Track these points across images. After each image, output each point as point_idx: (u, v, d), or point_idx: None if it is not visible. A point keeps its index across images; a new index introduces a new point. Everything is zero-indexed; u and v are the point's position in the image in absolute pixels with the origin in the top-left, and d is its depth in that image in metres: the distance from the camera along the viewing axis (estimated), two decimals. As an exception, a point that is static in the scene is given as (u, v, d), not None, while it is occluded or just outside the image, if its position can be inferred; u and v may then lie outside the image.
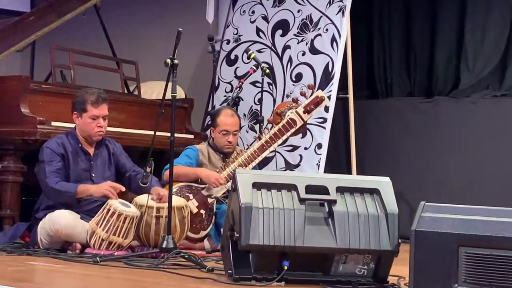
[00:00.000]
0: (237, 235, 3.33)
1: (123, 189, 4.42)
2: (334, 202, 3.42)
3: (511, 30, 6.16)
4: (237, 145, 5.23)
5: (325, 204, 3.42)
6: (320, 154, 5.87)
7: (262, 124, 5.67)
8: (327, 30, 6.09)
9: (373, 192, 3.49)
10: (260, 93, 5.79)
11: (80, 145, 4.54)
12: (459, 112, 6.19)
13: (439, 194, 5.92)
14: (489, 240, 2.95)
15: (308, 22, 6.21)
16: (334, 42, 6.03)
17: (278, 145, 5.04)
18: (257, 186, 3.41)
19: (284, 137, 4.88)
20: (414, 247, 3.10)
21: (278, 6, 6.42)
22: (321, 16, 6.15)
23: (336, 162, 6.37)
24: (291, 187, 3.43)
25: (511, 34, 6.16)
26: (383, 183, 3.53)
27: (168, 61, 4.16)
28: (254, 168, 4.87)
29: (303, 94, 4.91)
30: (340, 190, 3.47)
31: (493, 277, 2.92)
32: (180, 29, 4.18)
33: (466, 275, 2.98)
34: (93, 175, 4.54)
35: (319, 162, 5.86)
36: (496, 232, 2.95)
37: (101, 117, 4.49)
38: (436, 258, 3.04)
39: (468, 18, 6.30)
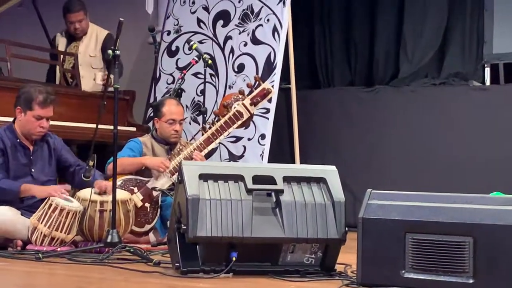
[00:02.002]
0: (184, 227, 3.31)
1: (69, 188, 4.35)
2: (281, 192, 3.42)
3: (448, 21, 6.26)
4: (180, 137, 5.19)
5: (272, 194, 3.43)
6: (264, 145, 5.88)
7: (205, 116, 5.62)
8: (268, 20, 6.09)
9: (320, 181, 3.50)
10: (202, 84, 5.75)
11: (18, 140, 4.44)
12: (399, 100, 6.27)
13: (382, 182, 5.97)
14: (435, 225, 2.99)
15: (249, 13, 6.20)
16: (276, 32, 6.03)
17: (224, 137, 5.02)
18: (204, 177, 3.39)
19: (231, 130, 4.85)
20: (362, 234, 3.12)
21: (219, -4, 6.39)
22: (262, 6, 6.14)
23: (280, 152, 6.38)
24: (238, 178, 3.42)
25: (448, 25, 6.26)
26: (330, 172, 3.54)
27: (110, 52, 4.09)
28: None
29: (249, 86, 4.89)
30: (287, 179, 3.47)
31: (438, 262, 2.96)
32: (122, 19, 4.12)
33: (413, 261, 3.01)
34: (33, 170, 4.45)
35: (263, 152, 5.87)
36: (441, 218, 2.99)
37: (45, 118, 4.40)
38: (383, 245, 3.07)
39: (407, 9, 6.40)
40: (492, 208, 2.92)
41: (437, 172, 5.94)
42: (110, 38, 5.90)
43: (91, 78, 5.82)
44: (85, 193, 4.29)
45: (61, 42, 6.09)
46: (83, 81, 5.84)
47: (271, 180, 3.44)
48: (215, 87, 6.21)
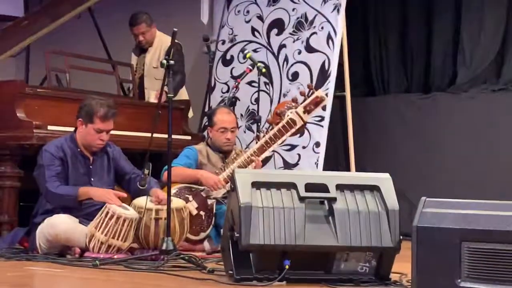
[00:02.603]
0: (237, 235, 3.32)
1: (125, 195, 4.41)
2: (334, 199, 3.42)
3: (506, 25, 6.17)
4: (235, 145, 5.22)
5: (325, 202, 3.42)
6: (319, 153, 5.88)
7: (259, 124, 5.66)
8: (322, 28, 6.10)
9: (373, 188, 3.49)
10: (256, 93, 5.79)
11: (79, 149, 4.52)
12: (457, 107, 6.20)
13: (440, 190, 5.92)
14: (491, 234, 2.94)
15: (303, 21, 6.21)
16: (330, 40, 6.03)
17: (278, 146, 5.03)
18: (256, 185, 3.41)
19: (284, 138, 4.87)
20: (416, 243, 3.09)
21: (273, 5, 6.42)
22: (316, 14, 6.15)
23: (335, 160, 6.37)
24: (291, 186, 3.42)
25: (507, 29, 6.18)
26: (383, 180, 3.53)
27: (164, 61, 4.15)
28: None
29: (303, 94, 4.90)
30: (340, 187, 3.47)
31: (496, 272, 2.91)
32: (175, 30, 4.17)
33: (469, 271, 2.97)
34: (92, 179, 4.52)
35: (318, 160, 5.86)
36: (498, 226, 2.94)
37: (105, 131, 4.48)
38: (438, 254, 3.03)
39: (464, 13, 6.33)
40: (551, 216, 2.87)
41: (497, 180, 5.84)
42: (177, 48, 5.99)
43: (154, 89, 5.91)
44: (141, 201, 4.36)
45: (133, 56, 6.29)
46: (148, 92, 5.96)
47: (324, 188, 3.44)
48: (269, 95, 6.24)
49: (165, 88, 4.35)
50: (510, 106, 6.01)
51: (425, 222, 3.10)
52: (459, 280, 2.97)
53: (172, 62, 4.14)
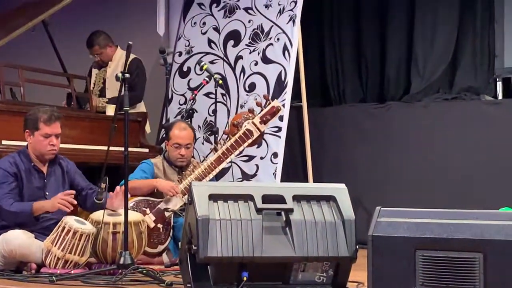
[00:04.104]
0: (195, 248, 3.33)
1: (75, 202, 4.37)
2: (291, 211, 3.44)
3: (457, 37, 6.25)
4: (193, 157, 5.22)
5: (282, 213, 3.44)
6: (276, 163, 5.89)
7: (217, 136, 5.67)
8: (278, 39, 6.12)
9: (330, 199, 3.52)
10: (214, 104, 5.78)
11: (32, 164, 4.49)
12: (412, 116, 6.25)
13: (396, 198, 5.96)
14: (445, 242, 2.99)
15: (259, 32, 6.24)
16: (286, 51, 6.06)
17: (235, 157, 5.04)
18: (214, 197, 3.42)
19: (241, 148, 4.88)
20: (372, 252, 3.13)
21: (229, 17, 6.43)
22: (272, 26, 6.18)
23: (293, 170, 6.39)
24: (248, 198, 3.44)
25: (458, 41, 6.25)
26: (339, 190, 3.56)
27: (119, 75, 4.14)
28: (211, 180, 4.87)
29: (259, 104, 4.92)
30: (297, 198, 3.49)
31: (449, 279, 2.96)
32: (130, 43, 4.16)
33: (423, 278, 3.01)
34: (47, 193, 4.48)
35: (276, 171, 5.88)
36: (451, 234, 3.00)
37: (53, 135, 4.45)
38: (393, 262, 3.07)
39: (417, 24, 6.39)
40: (502, 224, 2.92)
41: (450, 187, 5.90)
42: (137, 64, 6.06)
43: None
44: (98, 215, 4.32)
45: (94, 70, 6.32)
46: (105, 105, 5.94)
47: (280, 199, 3.46)
48: (226, 106, 6.25)
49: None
50: (462, 114, 6.08)
51: (380, 231, 3.14)
52: (414, 288, 3.03)
53: (127, 75, 4.13)
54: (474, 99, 6.11)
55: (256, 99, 5.93)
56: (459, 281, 2.93)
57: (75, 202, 4.39)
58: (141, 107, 6.24)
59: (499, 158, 5.82)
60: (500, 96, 6.10)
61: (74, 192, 4.36)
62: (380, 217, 3.18)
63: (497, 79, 6.11)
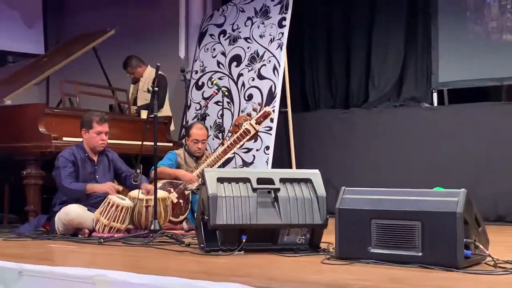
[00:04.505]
0: (207, 217, 3.34)
1: (120, 188, 4.40)
2: (278, 190, 3.45)
3: (404, 58, 6.22)
4: (206, 150, 5.22)
5: (272, 191, 3.45)
6: (268, 154, 5.89)
7: (223, 133, 5.68)
8: (270, 61, 6.12)
9: (307, 181, 3.53)
10: (221, 110, 5.78)
11: (86, 154, 4.50)
12: (369, 119, 6.22)
13: (358, 180, 5.97)
14: (393, 213, 3.01)
15: (255, 56, 6.24)
16: (275, 70, 6.07)
17: (237, 149, 5.05)
18: (221, 180, 3.43)
19: (242, 143, 4.88)
20: (338, 221, 3.15)
21: (233, 45, 6.43)
22: (265, 51, 6.18)
23: (281, 160, 6.38)
24: (246, 180, 3.45)
25: (404, 61, 6.23)
26: (314, 174, 3.57)
27: (150, 88, 4.15)
28: (219, 166, 4.87)
29: (255, 109, 4.93)
30: (283, 180, 3.50)
31: (396, 241, 2.98)
32: (158, 64, 4.17)
33: (376, 240, 3.04)
34: (97, 176, 4.50)
35: (268, 160, 5.89)
36: (397, 207, 3.02)
37: (103, 133, 4.46)
38: (354, 229, 3.09)
39: (373, 49, 6.37)
40: (435, 199, 2.94)
41: (398, 172, 5.88)
42: (159, 78, 6.00)
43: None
44: (135, 193, 4.34)
45: (131, 85, 6.32)
46: (140, 111, 5.94)
47: (270, 181, 3.47)
48: (231, 111, 6.25)
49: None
50: (407, 117, 6.05)
51: (344, 205, 3.17)
52: (369, 248, 3.04)
53: (156, 88, 4.14)
54: (416, 106, 6.09)
55: (253, 106, 5.94)
56: (403, 242, 2.96)
57: (120, 189, 4.41)
58: (167, 111, 6.23)
59: (435, 150, 5.81)
60: (435, 104, 6.09)
61: (120, 187, 4.37)
62: (344, 195, 3.21)
63: (433, 91, 6.10)
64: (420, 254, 2.88)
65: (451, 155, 5.68)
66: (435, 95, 6.08)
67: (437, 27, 6.00)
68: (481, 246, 2.86)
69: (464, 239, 2.81)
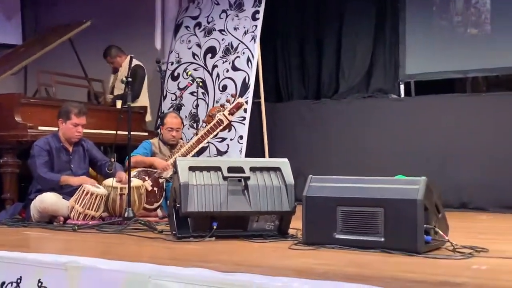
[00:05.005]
0: (178, 205, 3.33)
1: (95, 182, 4.36)
2: (248, 178, 3.45)
3: (373, 51, 6.25)
4: (181, 139, 5.20)
5: (242, 180, 3.45)
6: (242, 143, 5.89)
7: (198, 123, 5.66)
8: (243, 53, 6.10)
9: (276, 169, 3.53)
10: (196, 100, 5.77)
11: (61, 144, 4.45)
12: (339, 109, 6.24)
13: (327, 168, 5.99)
14: (357, 200, 3.04)
15: (230, 48, 6.21)
16: (249, 62, 6.05)
17: (211, 138, 5.03)
18: (192, 169, 3.42)
19: (215, 133, 4.86)
20: (305, 208, 3.17)
21: (208, 36, 6.39)
22: (239, 43, 6.15)
23: (254, 148, 6.37)
24: (217, 169, 3.45)
25: (373, 54, 6.26)
26: (283, 163, 3.58)
27: (124, 79, 4.11)
28: (193, 155, 4.85)
29: (228, 101, 4.91)
30: (253, 169, 3.50)
31: (360, 226, 3.01)
32: (132, 55, 4.12)
33: (342, 226, 3.07)
34: (72, 166, 4.46)
35: (241, 149, 5.88)
36: (362, 194, 3.04)
37: (80, 125, 4.41)
38: (320, 215, 3.11)
39: (344, 44, 6.37)
40: (397, 187, 2.97)
41: (364, 160, 5.91)
42: (136, 68, 5.97)
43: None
44: (109, 181, 4.30)
45: (111, 75, 6.23)
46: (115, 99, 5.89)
47: (241, 169, 3.47)
48: (206, 102, 6.22)
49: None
50: (375, 107, 6.09)
51: (311, 193, 3.18)
52: (335, 233, 3.06)
53: (130, 79, 4.10)
54: (383, 97, 6.13)
55: (227, 97, 5.92)
56: (367, 228, 2.99)
57: (95, 182, 4.37)
58: (144, 102, 6.17)
59: (402, 140, 5.86)
60: (402, 95, 6.13)
61: (96, 182, 4.33)
62: (311, 182, 3.23)
63: (400, 83, 6.14)
64: (382, 239, 2.92)
65: (417, 145, 5.74)
66: (402, 87, 6.12)
67: (404, 21, 6.04)
68: (440, 232, 2.91)
69: (424, 225, 2.85)
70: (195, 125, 5.88)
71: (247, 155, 5.89)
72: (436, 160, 5.60)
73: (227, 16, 6.30)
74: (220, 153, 6.01)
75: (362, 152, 5.99)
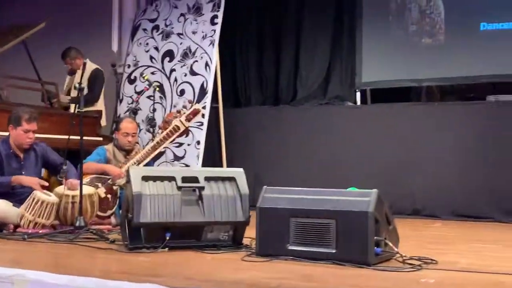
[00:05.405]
0: (131, 216, 3.28)
1: (46, 184, 4.26)
2: (203, 188, 3.44)
3: (330, 59, 6.33)
4: (138, 143, 5.13)
5: (196, 189, 3.43)
6: (199, 149, 5.87)
7: (155, 128, 5.60)
8: (202, 57, 6.08)
9: (231, 179, 3.52)
10: (153, 105, 5.71)
11: (11, 150, 4.33)
12: (297, 116, 6.28)
13: (284, 174, 6.05)
14: (310, 212, 3.06)
15: (188, 52, 6.17)
16: (207, 66, 6.03)
17: (168, 144, 4.98)
18: (146, 178, 3.38)
19: (171, 139, 4.82)
20: (259, 219, 3.18)
21: (166, 40, 6.34)
22: (197, 47, 6.12)
23: (212, 154, 6.36)
24: (171, 179, 3.42)
25: (330, 61, 6.33)
26: (238, 173, 3.57)
27: (77, 85, 4.03)
28: (149, 161, 4.79)
29: (185, 106, 4.88)
30: (207, 179, 3.49)
31: (312, 238, 3.03)
32: (85, 61, 4.05)
33: (295, 237, 3.08)
34: (23, 173, 4.34)
35: (199, 154, 5.86)
36: (314, 206, 3.06)
37: (31, 131, 4.30)
38: (274, 226, 3.12)
39: (302, 51, 6.43)
40: (349, 199, 3.00)
41: (322, 167, 5.97)
42: (96, 72, 5.87)
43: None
44: (61, 189, 4.21)
45: (68, 76, 6.08)
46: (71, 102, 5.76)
47: (195, 179, 3.45)
48: (163, 106, 6.17)
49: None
50: (332, 114, 6.15)
51: (265, 204, 3.19)
52: (288, 245, 3.07)
53: (83, 85, 4.02)
54: (340, 104, 6.20)
55: (184, 101, 5.89)
56: (320, 240, 3.00)
57: (47, 184, 4.28)
58: (99, 106, 6.07)
59: (357, 147, 5.92)
60: (358, 103, 6.21)
61: (47, 184, 4.23)
62: (265, 193, 3.23)
63: (356, 91, 6.22)
64: (334, 251, 2.94)
65: (372, 152, 5.82)
66: (358, 95, 6.20)
67: (361, 30, 6.12)
68: (390, 244, 2.95)
69: (375, 237, 2.88)
70: (152, 129, 5.82)
71: (204, 160, 5.87)
72: (390, 167, 5.70)
73: (185, 20, 6.26)
74: (177, 158, 5.97)
75: (319, 158, 6.03)
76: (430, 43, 5.95)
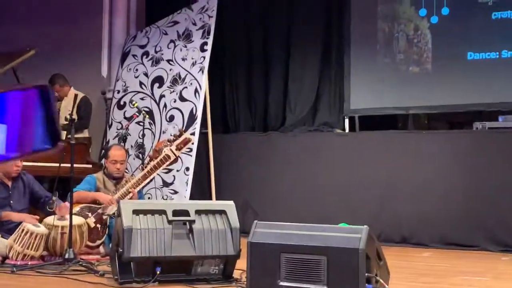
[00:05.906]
0: (121, 250, 3.28)
1: (38, 217, 4.24)
2: (193, 221, 3.44)
3: (318, 86, 6.36)
4: (127, 170, 5.11)
5: (187, 223, 3.43)
6: (188, 175, 5.85)
7: (144, 154, 5.60)
8: (191, 84, 6.10)
9: (221, 212, 3.54)
10: (142, 130, 5.72)
11: (-1, 180, 4.31)
12: (286, 142, 6.28)
13: (273, 202, 6.04)
14: (301, 248, 3.07)
15: (177, 78, 6.19)
16: (197, 93, 6.05)
17: (157, 173, 4.98)
18: (136, 212, 3.38)
19: (161, 168, 4.81)
20: (250, 254, 3.17)
21: (155, 66, 6.35)
22: (187, 74, 6.15)
23: (201, 180, 6.35)
24: (162, 212, 3.42)
25: (319, 88, 6.36)
26: (229, 206, 3.58)
27: (68, 116, 4.03)
28: (139, 190, 4.78)
29: (175, 136, 4.87)
30: (198, 212, 3.50)
31: (303, 274, 3.04)
32: (77, 93, 4.05)
33: (286, 273, 3.08)
34: (11, 201, 4.33)
35: (188, 180, 5.84)
36: (305, 242, 3.07)
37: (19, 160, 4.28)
38: (265, 262, 3.12)
39: (290, 77, 6.45)
40: (340, 235, 3.02)
41: (310, 195, 5.95)
42: (85, 100, 5.90)
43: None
44: (50, 219, 4.18)
45: None
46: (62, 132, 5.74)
47: (186, 213, 3.46)
48: (152, 132, 6.17)
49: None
50: (320, 141, 6.15)
51: (256, 239, 3.19)
52: (279, 281, 3.08)
53: (74, 117, 4.03)
54: (329, 131, 6.22)
55: (174, 127, 5.90)
56: (310, 276, 3.01)
57: (38, 218, 4.25)
58: (86, 133, 6.07)
59: (345, 174, 5.91)
60: (347, 130, 6.24)
61: (38, 218, 4.22)
62: (256, 228, 3.23)
63: (345, 117, 6.26)
64: (325, 287, 2.95)
65: (360, 179, 5.83)
66: (346, 121, 6.24)
67: (349, 58, 6.19)
68: (381, 280, 2.97)
69: (366, 274, 2.90)
70: (141, 155, 5.81)
71: (193, 187, 5.86)
72: (378, 194, 5.71)
73: (175, 47, 6.29)
74: (166, 184, 5.95)
75: (307, 184, 6.01)
76: (418, 72, 6.04)
